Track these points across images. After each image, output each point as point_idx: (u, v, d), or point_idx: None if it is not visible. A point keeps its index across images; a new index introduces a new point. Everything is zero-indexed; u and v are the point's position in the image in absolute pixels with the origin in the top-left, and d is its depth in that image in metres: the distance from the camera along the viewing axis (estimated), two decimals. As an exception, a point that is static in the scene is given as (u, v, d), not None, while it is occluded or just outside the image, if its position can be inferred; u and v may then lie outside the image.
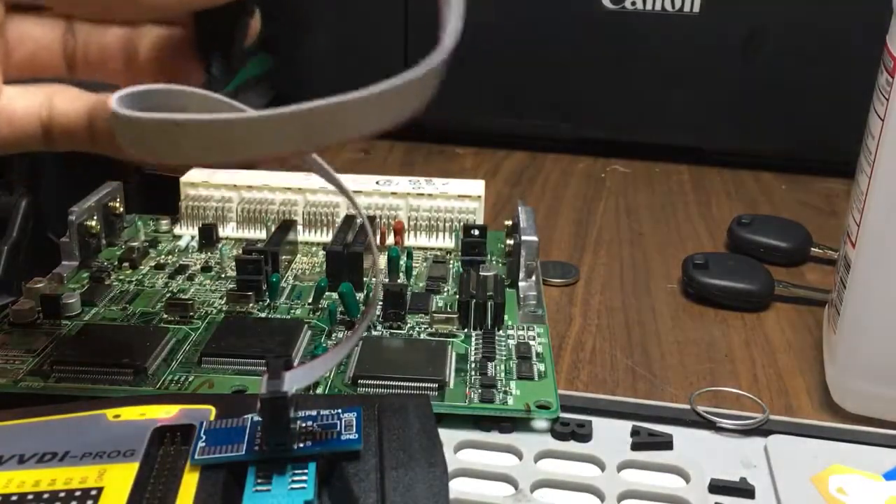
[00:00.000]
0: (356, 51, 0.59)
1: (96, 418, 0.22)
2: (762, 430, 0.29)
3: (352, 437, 0.20)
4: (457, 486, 0.26)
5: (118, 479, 0.19)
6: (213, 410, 0.22)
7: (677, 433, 0.28)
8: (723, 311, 0.38)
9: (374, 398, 0.22)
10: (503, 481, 0.26)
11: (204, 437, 0.20)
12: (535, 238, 0.36)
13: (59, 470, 0.20)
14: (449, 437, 0.27)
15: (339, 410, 0.21)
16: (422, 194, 0.41)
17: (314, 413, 0.21)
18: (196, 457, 0.20)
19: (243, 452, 0.20)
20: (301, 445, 0.20)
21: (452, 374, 0.30)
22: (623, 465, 0.27)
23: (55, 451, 0.20)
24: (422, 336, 0.33)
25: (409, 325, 0.34)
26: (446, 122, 0.58)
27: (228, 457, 0.20)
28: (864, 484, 0.26)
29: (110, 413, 0.22)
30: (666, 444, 0.28)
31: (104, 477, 0.19)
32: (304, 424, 0.21)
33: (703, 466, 0.26)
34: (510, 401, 0.29)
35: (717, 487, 0.26)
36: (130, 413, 0.22)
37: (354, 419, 0.21)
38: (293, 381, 0.20)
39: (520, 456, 0.27)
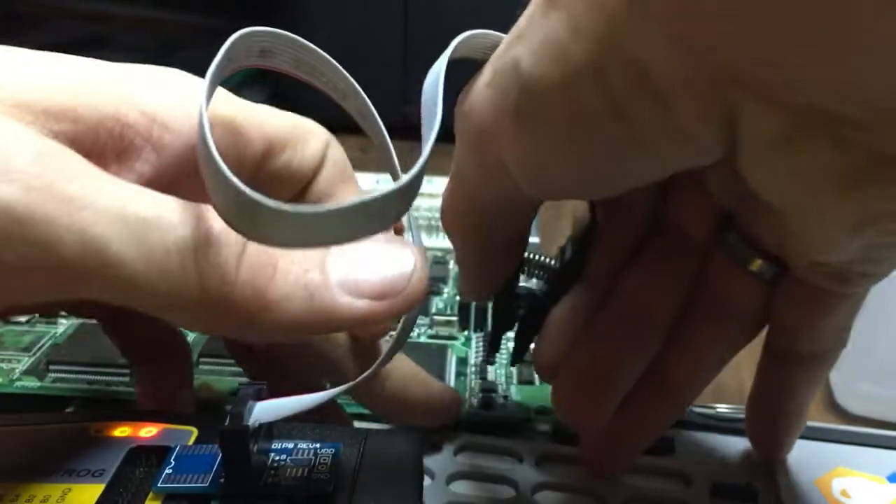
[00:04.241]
0: (356, 50, 0.59)
1: (77, 432, 0.21)
2: (765, 432, 0.28)
3: (323, 477, 0.19)
4: (457, 489, 0.26)
5: (80, 500, 0.18)
6: (195, 433, 0.21)
7: (679, 436, 0.28)
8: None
9: (362, 431, 0.21)
10: (504, 484, 0.26)
11: (173, 464, 0.19)
12: (536, 239, 0.36)
13: (24, 486, 0.19)
14: (449, 440, 0.27)
15: (318, 445, 0.20)
16: (422, 194, 0.41)
17: (290, 445, 0.20)
18: (159, 484, 0.19)
19: (207, 485, 0.19)
20: (267, 482, 0.19)
21: (453, 377, 0.30)
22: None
23: (27, 464, 0.20)
24: (421, 339, 0.33)
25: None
26: (447, 120, 0.57)
27: (191, 487, 0.19)
28: (869, 487, 0.26)
29: (92, 428, 0.21)
30: (667, 447, 0.27)
31: (66, 497, 0.19)
32: (276, 458, 0.19)
33: (704, 470, 0.26)
34: (511, 405, 0.29)
35: (719, 491, 0.26)
36: (112, 429, 0.21)
37: (331, 457, 0.19)
38: (259, 414, 0.19)
39: (520, 459, 0.27)
